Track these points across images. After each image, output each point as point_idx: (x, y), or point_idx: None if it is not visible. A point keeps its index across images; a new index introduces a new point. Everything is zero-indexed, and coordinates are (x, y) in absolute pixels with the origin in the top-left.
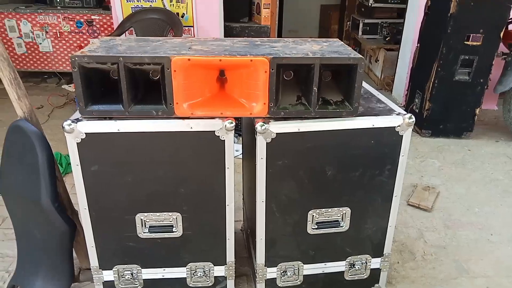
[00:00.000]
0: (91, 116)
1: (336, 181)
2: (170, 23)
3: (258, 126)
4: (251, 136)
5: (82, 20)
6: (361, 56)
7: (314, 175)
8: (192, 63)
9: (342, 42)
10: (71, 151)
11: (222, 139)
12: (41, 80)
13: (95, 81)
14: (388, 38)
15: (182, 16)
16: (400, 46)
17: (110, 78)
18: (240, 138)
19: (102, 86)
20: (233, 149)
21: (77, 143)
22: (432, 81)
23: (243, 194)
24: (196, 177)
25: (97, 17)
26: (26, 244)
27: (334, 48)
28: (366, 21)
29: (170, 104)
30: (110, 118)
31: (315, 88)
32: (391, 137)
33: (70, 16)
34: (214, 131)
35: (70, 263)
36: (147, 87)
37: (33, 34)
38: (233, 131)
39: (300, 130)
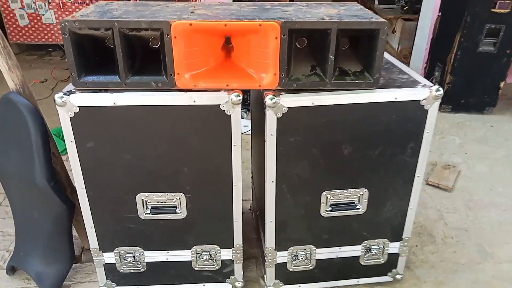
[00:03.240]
0: (85, 88)
1: (353, 160)
2: None
3: (268, 99)
4: (260, 111)
5: None
6: (383, 20)
7: (329, 153)
8: (194, 28)
9: (362, 6)
10: (64, 126)
11: (228, 113)
12: (45, 53)
13: (89, 49)
14: (406, 7)
15: None
16: (419, 16)
17: (106, 46)
18: (249, 113)
19: (97, 55)
20: (240, 125)
21: (70, 117)
22: (454, 52)
23: (252, 172)
24: (200, 155)
25: None
26: (23, 224)
27: (353, 12)
28: None
29: (171, 74)
30: (106, 90)
31: (331, 57)
32: (416, 111)
33: None
34: (219, 104)
35: (70, 244)
36: (147, 57)
37: (35, 5)
38: (240, 105)
39: (315, 104)
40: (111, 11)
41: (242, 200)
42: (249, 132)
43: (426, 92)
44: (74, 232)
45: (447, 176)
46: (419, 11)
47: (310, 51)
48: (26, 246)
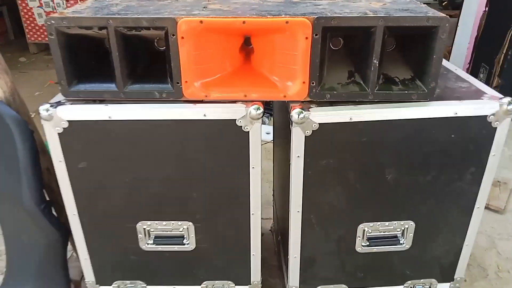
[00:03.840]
0: (77, 99)
1: (398, 187)
2: None
3: (295, 114)
4: (285, 121)
5: None
6: (444, 15)
7: (369, 179)
8: (205, 26)
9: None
10: (52, 143)
11: (246, 130)
12: None
13: (83, 52)
14: (445, 2)
15: None
16: (460, 11)
17: (103, 49)
18: (271, 118)
19: (92, 60)
20: (260, 143)
21: (58, 133)
22: (504, 52)
23: (273, 187)
24: (212, 178)
25: None
26: (13, 250)
27: (401, 5)
28: None
29: (177, 83)
30: (101, 102)
31: (375, 61)
32: (480, 129)
33: None
34: (235, 119)
35: (64, 273)
36: (151, 61)
37: (53, 3)
38: (261, 120)
39: (353, 120)
40: (109, 7)
41: (262, 219)
42: (271, 140)
43: (494, 106)
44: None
45: (498, 194)
46: (460, 6)
47: (347, 53)
48: (16, 274)
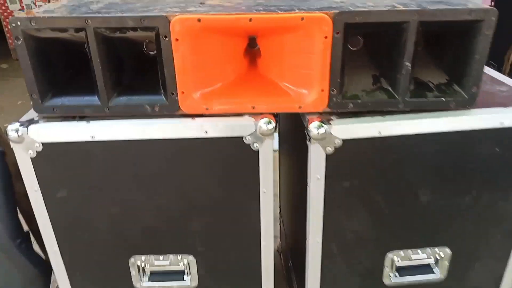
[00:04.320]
0: (52, 115)
1: (433, 209)
2: None
3: (313, 128)
4: (294, 125)
5: None
6: (490, 7)
7: (399, 201)
8: (204, 25)
9: None
10: (24, 170)
11: (255, 148)
12: None
13: (58, 59)
14: None
15: None
16: None
17: (83, 55)
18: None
19: (70, 68)
20: (272, 163)
21: (31, 158)
22: None
23: (280, 201)
24: (215, 205)
25: None
26: None
27: None
28: None
29: (172, 94)
30: (81, 118)
31: (407, 64)
32: None
33: None
34: (243, 136)
35: None
36: (140, 69)
37: (36, 5)
38: (273, 136)
39: (382, 134)
40: (88, 5)
41: None
42: (276, 149)
43: None
44: None
45: None
46: None
47: (368, 55)
48: None
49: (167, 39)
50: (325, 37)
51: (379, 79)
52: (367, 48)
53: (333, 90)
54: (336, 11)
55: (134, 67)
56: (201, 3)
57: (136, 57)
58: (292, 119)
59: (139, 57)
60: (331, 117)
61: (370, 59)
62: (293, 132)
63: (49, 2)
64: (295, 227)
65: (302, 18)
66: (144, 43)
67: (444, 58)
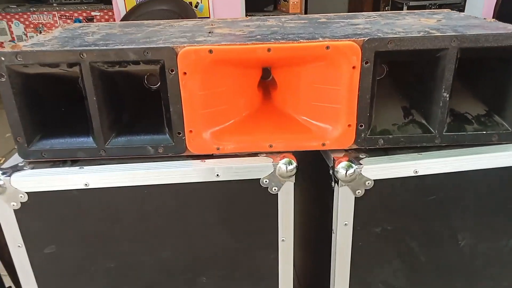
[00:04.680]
0: (40, 160)
1: (475, 255)
2: (181, 15)
3: (342, 169)
4: (306, 155)
5: (81, 17)
6: None
7: (436, 247)
8: (216, 57)
9: (461, 13)
10: (5, 223)
11: (274, 192)
12: None
13: (48, 97)
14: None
15: (196, 6)
16: None
17: (76, 91)
18: None
19: (61, 106)
20: (292, 208)
21: (14, 210)
22: None
23: None
24: (228, 258)
25: (98, 13)
26: None
27: (464, 21)
28: (412, 3)
29: (179, 133)
30: (73, 163)
31: (445, 94)
32: None
33: (67, 14)
34: (260, 179)
35: None
36: (141, 105)
37: (27, 36)
38: (293, 178)
39: (418, 173)
40: (82, 37)
41: None
42: None
43: None
44: None
45: None
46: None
47: (395, 84)
48: None
49: (173, 73)
50: (353, 68)
51: (410, 111)
52: (392, 77)
53: (361, 125)
54: (365, 38)
55: (134, 103)
56: (209, 32)
57: (136, 91)
58: (307, 152)
59: (139, 91)
60: (360, 155)
61: (397, 89)
62: (309, 167)
63: (40, 33)
64: (313, 277)
65: (328, 47)
66: (145, 76)
67: (481, 87)
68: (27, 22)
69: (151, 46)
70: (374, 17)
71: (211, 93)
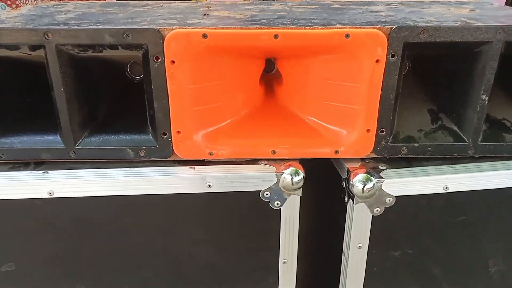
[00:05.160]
0: None
1: (507, 285)
2: None
3: (359, 183)
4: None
5: None
6: None
7: (464, 274)
8: (212, 43)
9: (493, 3)
10: None
11: (276, 207)
12: None
13: (8, 87)
14: None
15: None
16: None
17: (43, 80)
18: None
19: (24, 98)
20: (297, 226)
21: None
22: None
23: None
24: (219, 281)
25: None
26: None
27: (501, 12)
28: None
29: (164, 134)
30: (37, 166)
31: (484, 97)
32: None
33: None
34: (260, 191)
35: None
36: (120, 99)
37: None
38: (300, 191)
39: (449, 189)
40: (53, 15)
41: None
42: None
43: None
44: None
45: None
46: None
47: (419, 82)
48: None
49: (159, 61)
50: (377, 61)
51: (438, 115)
52: (416, 73)
53: (382, 131)
54: (393, 26)
55: (114, 96)
56: (205, 14)
57: (117, 82)
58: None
59: (121, 82)
60: (379, 166)
61: (422, 88)
62: (316, 174)
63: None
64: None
65: (347, 35)
66: (128, 64)
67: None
68: (8, 1)
69: (132, 27)
70: (396, 5)
71: (204, 87)
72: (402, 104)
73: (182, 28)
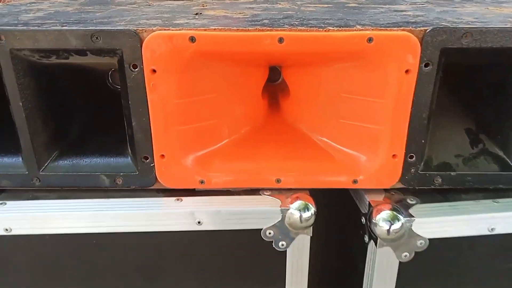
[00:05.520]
0: None
1: None
2: None
3: (382, 221)
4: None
5: None
6: None
7: None
8: (201, 48)
9: None
10: None
11: (281, 248)
12: None
13: None
14: None
15: None
16: None
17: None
18: None
19: None
20: (306, 271)
21: None
22: None
23: None
24: None
25: None
26: None
27: None
28: None
29: (145, 158)
30: None
31: None
32: None
33: None
34: (262, 229)
35: None
36: (98, 114)
37: None
38: (310, 229)
39: (495, 231)
40: (21, 14)
41: None
42: None
43: None
44: None
45: None
46: None
47: (452, 97)
48: None
49: (136, 70)
50: (406, 71)
51: (478, 137)
52: (449, 86)
53: (411, 156)
54: (427, 28)
55: (92, 110)
56: (197, 13)
57: (97, 93)
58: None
59: (102, 93)
60: (408, 199)
61: (457, 104)
62: (327, 206)
63: None
64: None
65: (370, 39)
66: (109, 72)
67: None
68: None
69: (103, 28)
70: (423, 3)
71: (193, 101)
72: (435, 123)
73: (165, 29)
